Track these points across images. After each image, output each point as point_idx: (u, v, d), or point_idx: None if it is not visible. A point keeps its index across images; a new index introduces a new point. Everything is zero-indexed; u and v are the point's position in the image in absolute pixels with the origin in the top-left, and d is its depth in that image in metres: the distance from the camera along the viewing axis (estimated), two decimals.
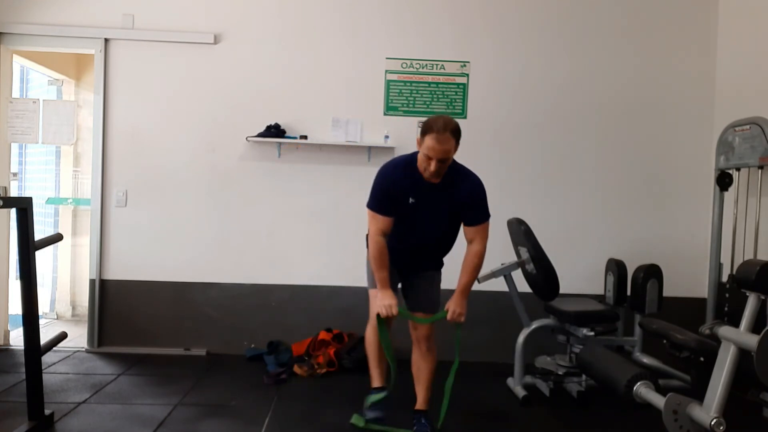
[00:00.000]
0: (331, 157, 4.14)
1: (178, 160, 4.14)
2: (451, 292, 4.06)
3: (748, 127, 3.53)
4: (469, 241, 2.75)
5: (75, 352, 4.08)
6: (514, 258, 3.59)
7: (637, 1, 4.24)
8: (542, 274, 3.35)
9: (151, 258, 4.14)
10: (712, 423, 2.17)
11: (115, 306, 4.14)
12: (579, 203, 4.23)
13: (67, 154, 5.38)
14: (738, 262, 3.56)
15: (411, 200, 2.66)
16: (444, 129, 2.49)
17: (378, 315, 2.71)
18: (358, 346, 3.88)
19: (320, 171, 4.17)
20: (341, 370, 3.78)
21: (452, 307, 2.71)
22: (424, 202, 2.67)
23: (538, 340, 3.53)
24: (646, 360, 3.53)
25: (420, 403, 2.89)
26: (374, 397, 2.89)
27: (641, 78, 4.23)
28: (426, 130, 2.53)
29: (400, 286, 2.93)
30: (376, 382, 2.93)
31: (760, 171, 3.52)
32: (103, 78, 4.10)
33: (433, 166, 2.53)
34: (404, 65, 4.18)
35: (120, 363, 3.84)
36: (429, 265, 2.89)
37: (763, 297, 2.32)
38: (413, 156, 2.67)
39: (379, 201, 2.67)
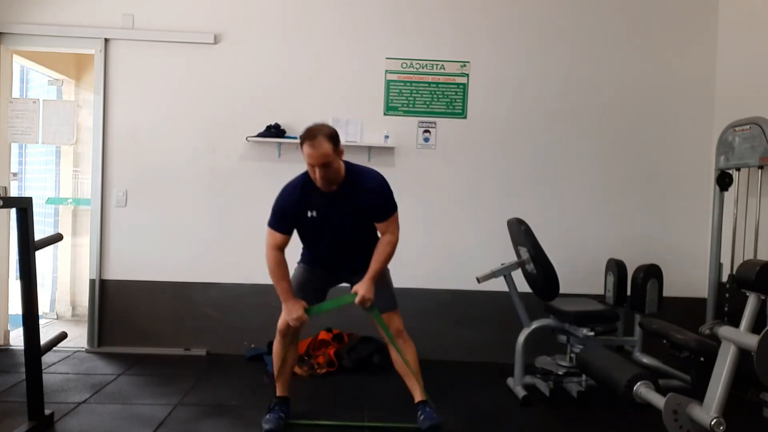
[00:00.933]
0: None
1: (178, 160, 4.14)
2: (454, 292, 4.13)
3: (748, 127, 3.53)
4: (382, 233, 2.85)
5: (75, 352, 4.08)
6: (514, 258, 3.59)
7: (638, 2, 4.24)
8: (542, 274, 3.34)
9: (151, 258, 4.14)
10: (712, 423, 2.17)
11: (115, 306, 4.14)
12: (579, 203, 4.23)
13: (67, 154, 5.38)
14: (738, 262, 3.56)
15: (310, 214, 2.76)
16: (315, 135, 2.60)
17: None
18: (358, 346, 3.89)
19: None
20: (341, 370, 3.78)
21: (361, 292, 2.75)
22: (326, 213, 2.76)
23: (538, 340, 3.52)
24: (646, 360, 3.52)
25: (417, 396, 2.90)
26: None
27: (641, 78, 4.23)
28: (301, 140, 2.65)
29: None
30: (279, 391, 2.97)
31: (760, 171, 3.52)
32: (103, 78, 4.09)
33: (318, 173, 2.62)
34: (404, 65, 4.18)
35: (120, 363, 3.84)
36: (368, 264, 2.84)
37: (763, 297, 2.32)
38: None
39: (276, 220, 2.79)
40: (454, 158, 4.19)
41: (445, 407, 3.00)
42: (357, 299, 2.74)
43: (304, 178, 2.78)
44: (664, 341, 2.92)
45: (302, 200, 2.76)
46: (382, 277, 2.89)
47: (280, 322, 2.88)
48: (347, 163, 2.80)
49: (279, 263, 2.79)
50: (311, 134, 2.61)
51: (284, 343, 2.92)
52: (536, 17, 4.20)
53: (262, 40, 4.14)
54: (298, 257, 3.05)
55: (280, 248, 2.80)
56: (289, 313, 2.77)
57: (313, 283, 2.94)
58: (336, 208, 2.76)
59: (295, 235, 2.87)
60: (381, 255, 2.81)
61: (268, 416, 2.86)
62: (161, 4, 4.11)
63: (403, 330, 2.90)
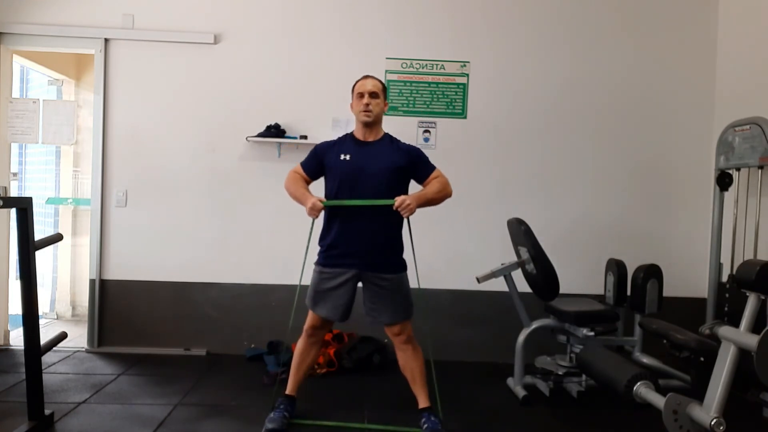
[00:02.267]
0: None
1: (179, 160, 4.14)
2: (454, 292, 4.13)
3: (748, 127, 3.54)
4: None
5: (75, 352, 4.08)
6: (514, 258, 3.59)
7: (638, 2, 4.24)
8: (542, 274, 3.34)
9: (151, 258, 4.14)
10: (712, 423, 2.17)
11: (115, 306, 4.14)
12: (579, 203, 4.23)
13: (67, 154, 5.39)
14: (738, 262, 3.56)
15: (343, 157, 2.85)
16: (370, 75, 2.95)
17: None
18: (358, 346, 3.89)
19: None
20: (341, 370, 3.78)
21: (403, 197, 2.74)
22: (359, 158, 2.84)
23: (538, 340, 3.53)
24: (646, 360, 3.53)
25: (423, 401, 2.90)
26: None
27: (641, 78, 4.23)
28: (355, 84, 2.93)
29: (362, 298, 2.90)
30: (288, 390, 3.00)
31: (760, 171, 3.52)
32: (103, 78, 4.10)
33: (365, 99, 2.83)
34: (404, 65, 4.18)
35: (120, 363, 3.85)
36: (388, 261, 2.83)
37: (763, 297, 2.32)
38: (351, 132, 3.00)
39: (307, 158, 2.99)
40: (454, 158, 4.19)
41: (445, 407, 3.00)
42: (396, 203, 2.71)
43: (344, 134, 3.01)
44: (664, 341, 2.93)
45: (339, 145, 2.92)
46: (401, 286, 2.86)
47: (307, 323, 2.94)
48: (387, 133, 2.99)
49: (296, 177, 2.94)
50: (366, 75, 2.95)
51: (309, 342, 2.98)
52: (536, 17, 4.21)
53: (262, 40, 4.15)
54: (315, 257, 2.97)
55: (301, 176, 2.95)
56: (308, 203, 2.76)
57: (333, 291, 2.83)
58: (370, 156, 2.84)
59: (316, 229, 2.90)
60: (432, 186, 2.88)
61: (272, 415, 2.87)
62: (161, 4, 4.12)
63: (412, 337, 2.90)
